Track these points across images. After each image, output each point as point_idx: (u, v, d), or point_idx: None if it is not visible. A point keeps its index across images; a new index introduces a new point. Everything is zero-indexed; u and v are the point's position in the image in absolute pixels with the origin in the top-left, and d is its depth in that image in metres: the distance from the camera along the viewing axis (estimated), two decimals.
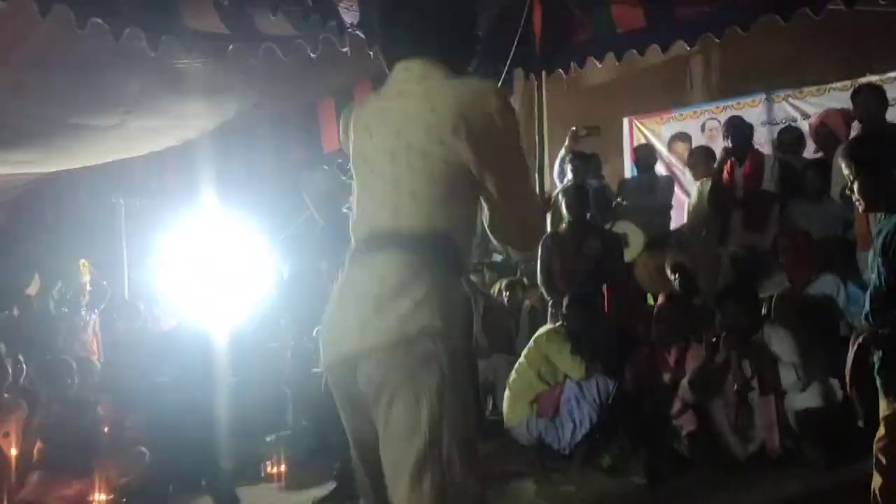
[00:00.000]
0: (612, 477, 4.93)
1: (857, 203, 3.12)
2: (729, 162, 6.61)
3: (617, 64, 7.25)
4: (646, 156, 7.59)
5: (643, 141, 8.55)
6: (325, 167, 6.99)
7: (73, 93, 6.22)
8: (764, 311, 5.36)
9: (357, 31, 5.37)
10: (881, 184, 2.99)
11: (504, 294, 7.60)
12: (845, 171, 3.11)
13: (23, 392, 6.41)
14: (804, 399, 4.76)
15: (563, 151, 7.14)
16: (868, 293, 3.03)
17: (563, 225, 6.40)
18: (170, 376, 4.68)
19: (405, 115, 2.15)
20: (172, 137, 7.97)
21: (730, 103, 8.33)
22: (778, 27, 5.57)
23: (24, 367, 6.75)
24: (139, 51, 5.13)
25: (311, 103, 8.20)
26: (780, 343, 5.01)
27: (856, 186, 3.06)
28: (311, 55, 5.67)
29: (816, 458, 4.59)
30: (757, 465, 4.71)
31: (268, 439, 6.05)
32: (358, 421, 2.26)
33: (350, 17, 5.45)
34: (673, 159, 8.47)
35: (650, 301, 6.56)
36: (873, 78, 7.05)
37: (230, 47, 5.47)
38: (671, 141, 8.61)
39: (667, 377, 5.44)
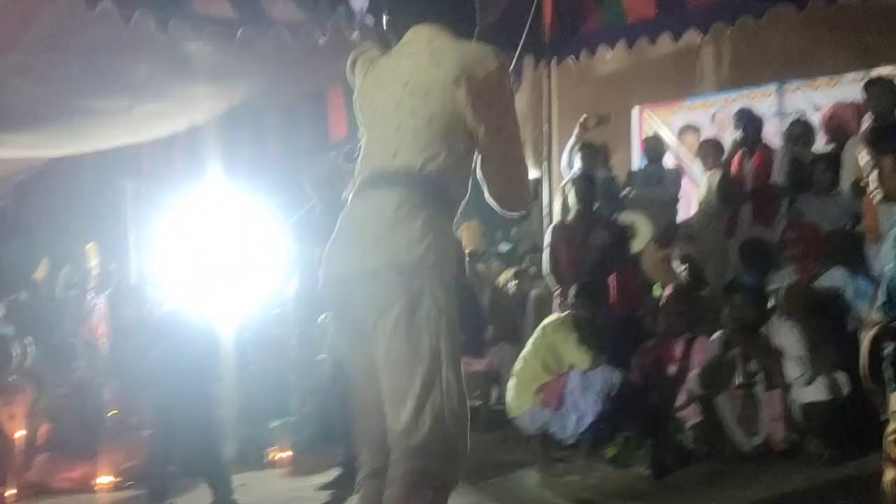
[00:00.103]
0: (616, 468, 4.93)
1: (874, 193, 3.08)
2: (739, 154, 6.57)
3: (628, 53, 7.23)
4: (655, 147, 7.55)
5: (653, 131, 8.49)
6: (333, 153, 6.97)
7: (81, 76, 6.22)
8: (771, 303, 5.33)
9: (366, 17, 5.36)
10: None
11: (511, 284, 7.59)
12: (863, 160, 3.07)
13: (29, 375, 6.44)
14: (810, 392, 4.73)
15: (571, 141, 7.10)
16: (884, 284, 2.99)
17: (571, 215, 6.38)
18: (169, 357, 4.66)
19: (413, 68, 2.38)
20: (180, 122, 7.97)
21: (741, 94, 8.26)
22: (791, 17, 5.53)
23: (31, 350, 6.77)
24: (147, 35, 5.12)
25: (319, 90, 8.19)
26: (787, 336, 4.99)
27: (874, 175, 3.01)
28: (320, 41, 5.66)
29: (821, 451, 4.58)
30: (762, 459, 4.70)
31: (272, 425, 6.06)
32: (355, 340, 2.43)
33: (359, 2, 5.43)
34: (682, 150, 8.42)
35: (657, 292, 6.53)
36: (887, 68, 6.98)
37: (239, 32, 5.46)
38: (681, 131, 8.56)
39: (672, 369, 5.44)
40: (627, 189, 7.09)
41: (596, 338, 5.40)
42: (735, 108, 7.45)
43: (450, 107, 2.33)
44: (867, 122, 5.78)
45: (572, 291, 5.64)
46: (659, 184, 7.09)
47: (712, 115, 8.43)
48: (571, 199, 6.38)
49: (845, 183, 6.02)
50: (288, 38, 5.62)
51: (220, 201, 7.14)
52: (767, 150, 6.53)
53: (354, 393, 2.51)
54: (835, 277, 5.47)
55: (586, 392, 5.24)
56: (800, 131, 6.70)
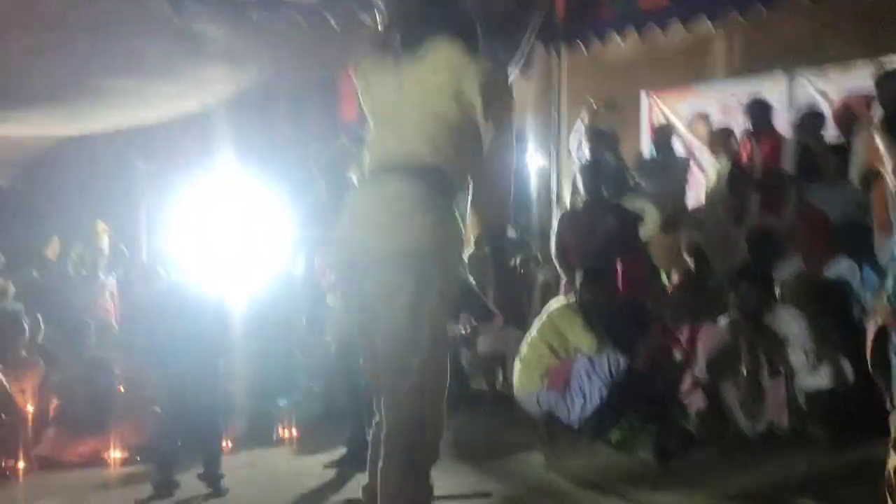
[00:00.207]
0: (620, 452, 4.96)
1: (890, 181, 3.08)
2: (748, 142, 6.57)
3: (638, 40, 7.22)
4: (663, 135, 7.55)
5: (661, 117, 8.48)
6: (343, 138, 6.99)
7: (94, 55, 6.25)
8: (777, 292, 5.36)
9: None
10: None
11: (518, 269, 7.62)
12: (883, 147, 3.07)
13: (40, 351, 6.51)
14: (814, 380, 4.77)
15: (581, 127, 7.11)
16: (891, 274, 3.00)
17: (580, 201, 6.40)
18: (178, 332, 4.71)
19: (427, 73, 2.65)
20: (192, 103, 8.00)
21: (751, 82, 8.23)
22: (802, 5, 5.51)
23: (42, 326, 6.84)
24: (161, 16, 5.14)
25: (330, 74, 8.21)
26: (793, 324, 5.02)
27: (892, 164, 3.01)
28: (333, 25, 5.68)
29: (825, 438, 4.61)
30: (765, 445, 4.73)
31: (280, 403, 6.12)
32: (367, 316, 2.74)
33: None
34: (691, 137, 8.41)
35: (664, 279, 6.56)
36: None
37: (252, 14, 5.47)
38: (690, 119, 8.52)
39: (678, 355, 5.47)
40: (636, 176, 7.10)
41: (602, 323, 5.43)
42: (745, 96, 7.44)
43: (456, 108, 2.63)
44: (877, 112, 5.77)
45: (579, 277, 5.67)
46: (668, 171, 7.10)
47: (722, 103, 8.41)
48: (579, 184, 6.39)
49: (854, 172, 6.02)
50: (301, 21, 5.64)
51: (231, 183, 7.18)
52: (777, 139, 6.53)
53: (356, 366, 2.92)
54: (842, 267, 5.49)
55: (591, 376, 5.28)
56: (810, 120, 6.70)
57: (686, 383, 5.19)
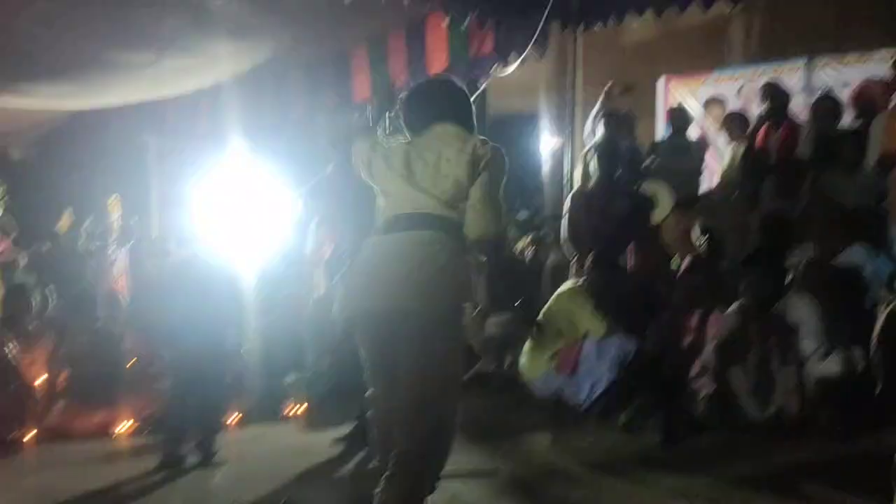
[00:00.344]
0: (627, 435, 4.96)
1: None
2: (764, 127, 6.50)
3: (656, 21, 7.15)
4: (680, 118, 7.48)
5: (678, 101, 8.40)
6: (356, 114, 6.97)
7: (106, 28, 6.23)
8: (790, 278, 5.32)
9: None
10: None
11: (528, 251, 7.59)
12: None
13: (50, 323, 6.54)
14: (824, 367, 4.73)
15: (596, 108, 7.05)
16: None
17: (592, 183, 6.35)
18: (188, 305, 4.73)
19: (439, 144, 3.10)
20: (204, 79, 7.97)
21: (769, 67, 8.16)
22: None
23: (53, 299, 6.87)
24: None
25: (343, 50, 8.17)
26: (804, 311, 4.98)
27: None
28: (346, 1, 5.64)
29: (834, 425, 4.58)
30: (774, 431, 4.70)
31: (288, 380, 6.14)
32: (388, 358, 3.04)
33: None
34: (707, 122, 8.34)
35: (675, 263, 6.52)
36: None
37: None
38: (707, 103, 8.45)
39: (687, 340, 5.44)
40: (650, 159, 7.04)
41: (611, 306, 5.40)
42: (762, 81, 7.37)
43: (467, 175, 3.03)
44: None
45: (589, 259, 5.64)
46: (682, 155, 7.04)
47: (739, 87, 8.33)
48: (593, 167, 6.35)
49: (871, 160, 5.95)
50: None
51: (242, 159, 7.16)
52: (793, 125, 6.46)
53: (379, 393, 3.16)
54: (855, 254, 5.44)
55: (600, 359, 5.27)
56: (827, 106, 6.61)
57: (695, 368, 5.16)
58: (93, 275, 7.97)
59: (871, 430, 4.36)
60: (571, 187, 7.17)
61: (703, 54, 8.59)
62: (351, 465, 4.55)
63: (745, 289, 5.12)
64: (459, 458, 3.75)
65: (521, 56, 7.10)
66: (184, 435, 4.77)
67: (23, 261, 7.68)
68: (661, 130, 8.25)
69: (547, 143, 8.89)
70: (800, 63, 7.97)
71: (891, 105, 6.09)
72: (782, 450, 4.43)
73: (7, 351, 5.79)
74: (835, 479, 3.85)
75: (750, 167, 6.41)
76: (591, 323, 5.36)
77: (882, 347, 4.56)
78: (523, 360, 5.60)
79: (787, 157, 6.32)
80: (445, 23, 7.21)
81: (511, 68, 7.28)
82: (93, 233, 8.25)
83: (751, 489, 3.84)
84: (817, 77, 7.87)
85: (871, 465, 3.98)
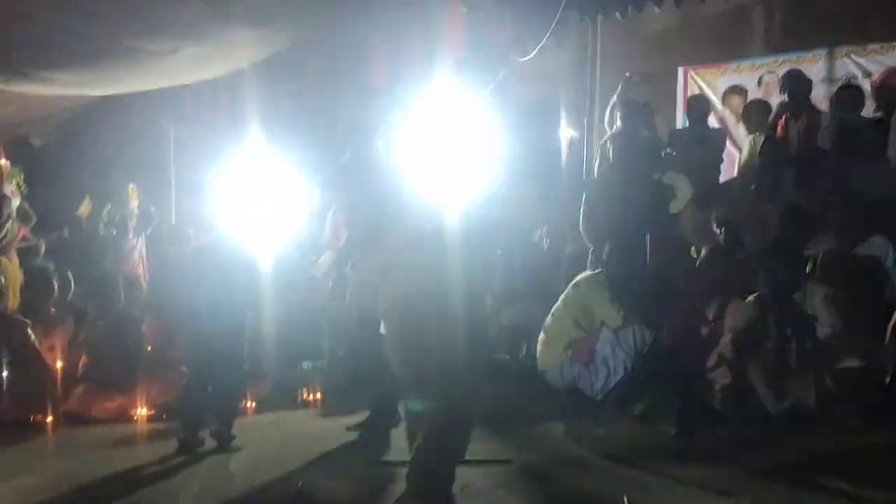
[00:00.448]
0: (642, 425, 4.95)
1: None
2: (784, 117, 6.45)
3: (675, 11, 7.09)
4: (699, 107, 7.43)
5: (697, 92, 8.36)
6: (374, 101, 6.96)
7: (126, 16, 6.24)
8: (810, 268, 5.28)
9: None
10: None
11: (545, 240, 7.58)
12: None
13: (70, 308, 6.59)
14: (843, 359, 4.70)
15: (614, 98, 7.02)
16: None
17: (610, 173, 6.33)
18: (206, 291, 4.76)
19: None
20: (223, 66, 7.99)
21: (789, 58, 8.09)
22: None
23: (72, 284, 6.92)
24: None
25: (361, 38, 8.16)
26: (823, 302, 4.95)
27: None
28: None
29: (851, 417, 4.55)
30: (790, 423, 4.67)
31: (304, 366, 6.17)
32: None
33: None
34: (727, 112, 8.29)
35: (693, 254, 6.49)
36: None
37: None
38: (726, 93, 8.41)
39: (704, 331, 5.42)
40: (669, 149, 7.00)
41: (628, 296, 5.39)
42: (782, 72, 7.31)
43: None
44: None
45: (607, 249, 5.63)
46: (701, 145, 6.99)
47: (759, 77, 8.27)
48: (611, 156, 6.32)
49: (893, 150, 5.90)
50: None
51: (260, 147, 7.18)
52: (814, 114, 6.41)
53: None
54: (876, 245, 5.40)
55: (616, 349, 5.26)
56: (848, 96, 6.56)
57: (711, 359, 5.14)
58: (112, 261, 8.02)
59: (889, 422, 4.34)
60: (590, 176, 7.15)
61: (724, 44, 8.53)
62: (365, 453, 4.57)
63: (763, 280, 5.09)
64: (475, 446, 3.77)
65: (539, 45, 7.07)
66: (201, 420, 4.81)
67: (43, 247, 7.74)
68: (681, 120, 8.20)
69: (565, 132, 8.86)
70: (821, 53, 7.91)
71: None
72: (798, 442, 4.40)
73: (28, 335, 5.84)
74: (851, 472, 3.83)
75: (769, 157, 6.36)
76: (607, 313, 5.35)
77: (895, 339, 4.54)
78: (539, 349, 5.60)
79: (807, 147, 6.27)
80: (464, 11, 7.19)
81: (529, 57, 7.25)
82: (112, 219, 8.30)
83: (766, 481, 3.83)
84: (839, 67, 7.80)
85: (888, 457, 3.97)
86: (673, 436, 4.66)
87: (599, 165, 6.81)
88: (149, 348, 6.09)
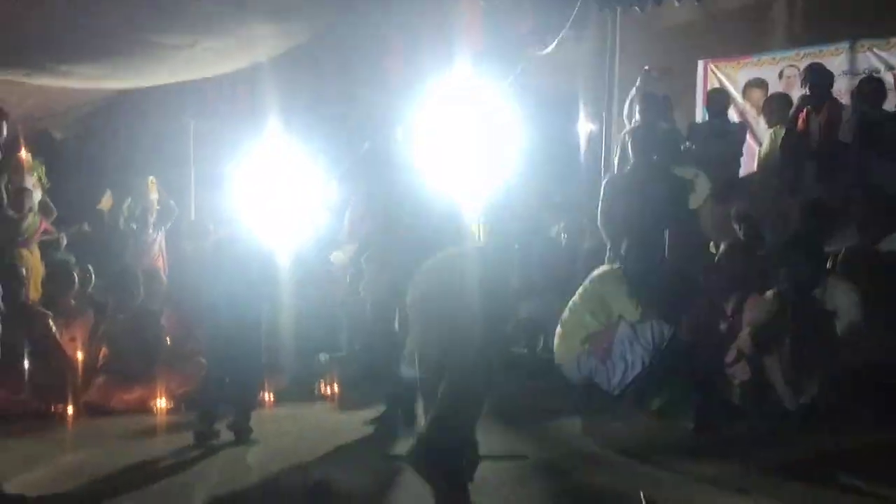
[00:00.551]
0: (659, 420, 4.93)
1: None
2: (805, 110, 6.39)
3: (695, 3, 7.04)
4: (718, 101, 7.37)
5: (717, 85, 8.29)
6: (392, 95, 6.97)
7: (145, 10, 6.28)
8: (830, 264, 5.23)
9: None
10: None
11: (563, 235, 7.56)
12: None
13: (90, 301, 6.66)
14: (863, 355, 4.65)
15: (633, 91, 6.98)
16: None
17: (628, 167, 6.29)
18: (225, 283, 4.79)
19: None
20: (242, 61, 8.02)
21: (811, 51, 8.01)
22: None
23: (92, 277, 6.99)
24: None
25: (381, 32, 8.17)
26: (843, 298, 4.91)
27: None
28: None
29: (870, 415, 4.51)
30: (808, 420, 4.63)
31: (321, 359, 6.19)
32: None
33: None
34: (747, 106, 8.22)
35: (712, 249, 6.45)
36: None
37: None
38: (746, 87, 8.33)
39: (723, 326, 5.39)
40: (688, 143, 6.95)
41: (646, 291, 5.35)
42: (803, 65, 7.25)
43: None
44: None
45: (625, 244, 5.59)
46: (721, 138, 6.94)
47: (780, 71, 8.20)
48: (630, 150, 6.28)
49: None
50: None
51: (279, 141, 7.22)
52: (836, 107, 6.34)
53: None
54: None
55: (634, 344, 5.22)
56: (870, 89, 6.48)
57: (730, 355, 5.10)
58: (132, 255, 8.08)
59: None
60: (608, 170, 7.11)
61: (744, 37, 8.45)
62: (382, 446, 4.58)
63: (783, 275, 5.04)
64: (491, 440, 3.77)
65: (558, 37, 7.04)
66: (217, 413, 4.84)
67: (64, 240, 7.81)
68: (701, 114, 8.15)
69: (584, 125, 8.82)
70: (843, 46, 7.82)
71: None
72: (816, 439, 4.37)
73: (49, 327, 5.91)
74: (868, 469, 3.79)
75: (790, 150, 6.30)
76: (625, 308, 5.32)
77: None
78: (556, 343, 5.58)
79: (828, 141, 6.21)
80: (482, 3, 7.17)
81: (548, 50, 7.23)
82: (133, 213, 8.36)
83: (782, 478, 3.81)
84: (860, 60, 7.72)
85: None
86: (690, 431, 4.64)
87: (618, 159, 6.77)
88: (168, 341, 6.14)
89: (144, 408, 5.70)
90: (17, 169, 7.47)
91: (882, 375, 4.57)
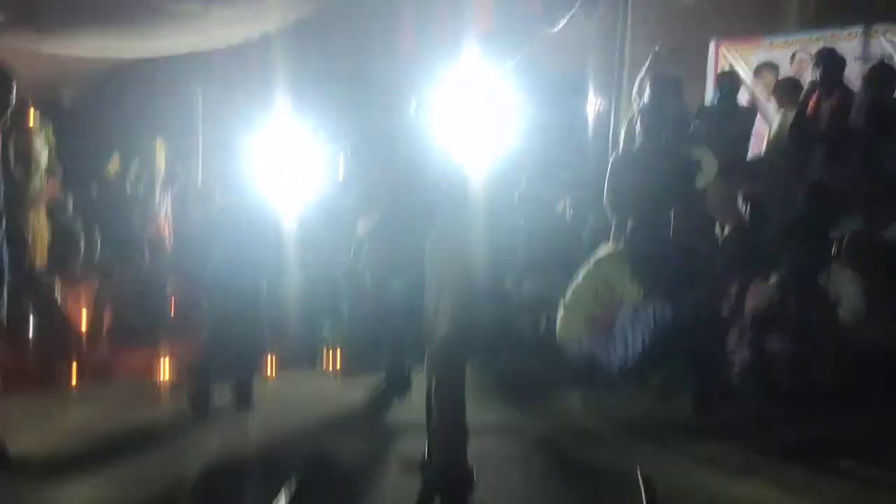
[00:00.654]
0: (659, 401, 4.95)
1: None
2: (816, 94, 6.35)
3: None
4: (729, 82, 7.33)
5: (729, 67, 8.24)
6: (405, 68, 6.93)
7: None
8: (835, 250, 5.23)
9: None
10: None
11: (568, 212, 7.54)
12: None
13: (96, 266, 6.68)
14: (865, 340, 4.66)
15: (644, 71, 6.94)
16: None
17: (636, 146, 6.27)
18: (228, 250, 4.80)
19: None
20: (252, 30, 7.99)
21: (824, 35, 7.94)
22: None
23: (98, 242, 7.01)
24: None
25: (391, 5, 8.13)
26: (847, 284, 4.91)
27: None
28: None
29: (871, 400, 4.52)
30: (809, 404, 4.65)
31: (325, 329, 6.22)
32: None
33: None
34: (757, 89, 8.16)
35: (717, 231, 6.43)
36: None
37: None
38: (758, 69, 8.26)
39: (726, 308, 5.39)
40: (697, 123, 6.92)
41: (650, 271, 5.36)
42: (816, 49, 7.19)
43: None
44: None
45: (630, 224, 5.59)
46: (730, 120, 6.90)
47: (792, 54, 8.13)
48: (638, 129, 6.25)
49: None
50: None
51: (288, 110, 7.19)
52: (846, 92, 6.30)
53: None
54: None
55: (636, 325, 5.23)
56: (882, 74, 6.44)
57: (732, 337, 5.11)
58: (139, 220, 8.09)
59: None
60: (616, 149, 7.08)
61: (757, 19, 8.38)
62: (383, 415, 4.62)
63: (787, 259, 5.05)
64: (491, 415, 3.81)
65: (568, 15, 6.98)
66: (214, 382, 4.85)
67: (71, 204, 7.81)
68: (711, 96, 8.10)
69: (593, 103, 8.78)
70: (856, 31, 7.75)
71: None
72: (816, 422, 4.39)
73: (54, 292, 5.94)
74: (868, 454, 3.82)
75: (799, 134, 6.28)
76: (628, 289, 5.32)
77: None
78: (559, 323, 5.60)
79: (838, 126, 6.18)
80: None
81: (558, 27, 7.17)
82: (139, 177, 8.35)
83: (780, 460, 3.83)
84: (874, 46, 7.65)
85: None
86: (690, 412, 4.66)
87: (626, 138, 6.75)
88: (172, 309, 6.17)
89: (148, 374, 5.74)
90: (25, 131, 7.46)
91: (885, 362, 4.57)
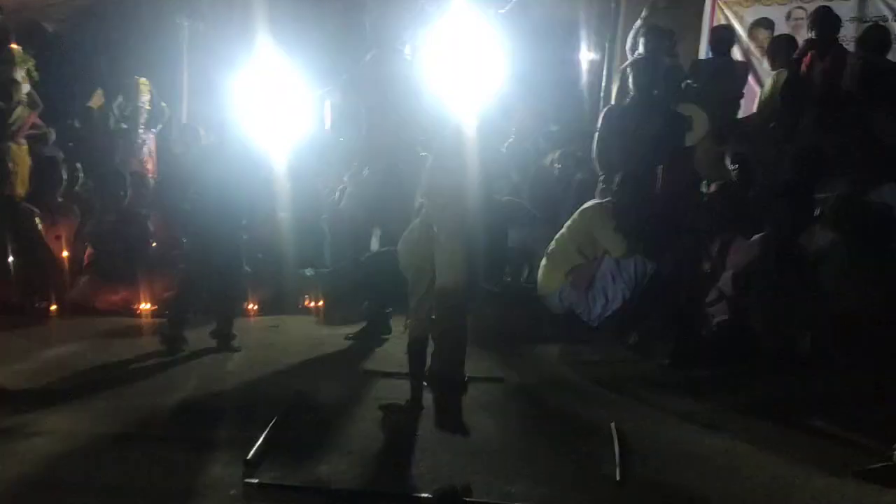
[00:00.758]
0: (636, 354, 4.99)
1: None
2: (809, 54, 6.30)
3: None
4: (723, 38, 7.25)
5: (724, 22, 8.14)
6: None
7: None
8: (819, 211, 5.24)
9: None
10: None
11: (556, 165, 7.51)
12: None
13: (77, 199, 6.61)
14: (842, 304, 4.70)
15: (638, 23, 6.85)
16: None
17: (627, 99, 6.23)
18: (209, 189, 4.76)
19: None
20: None
21: None
22: None
23: (80, 175, 6.92)
24: None
25: None
26: (829, 245, 4.92)
27: None
28: None
29: (845, 361, 4.57)
30: (784, 363, 4.69)
31: (306, 273, 6.21)
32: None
33: None
34: (752, 46, 8.09)
35: (704, 188, 6.43)
36: None
37: None
38: (753, 26, 8.17)
39: (706, 266, 5.42)
40: (690, 80, 6.86)
41: (634, 227, 5.36)
42: (812, 7, 7.11)
43: None
44: None
45: (617, 178, 5.57)
46: (723, 77, 6.84)
47: (788, 12, 8.04)
48: (630, 83, 6.20)
49: None
50: None
51: (276, 49, 7.06)
52: (840, 54, 6.25)
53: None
54: (888, 193, 5.34)
55: (616, 279, 5.26)
56: (876, 36, 6.38)
57: (711, 295, 5.14)
58: (121, 156, 7.98)
59: (885, 368, 4.36)
60: (607, 102, 7.03)
61: None
62: (362, 360, 4.64)
63: (770, 219, 5.06)
64: (469, 363, 3.82)
65: None
66: (188, 320, 4.84)
67: (52, 135, 7.69)
68: (705, 51, 8.02)
69: (586, 55, 8.69)
70: None
71: None
72: (791, 382, 4.43)
73: (35, 223, 5.88)
74: (839, 414, 3.86)
75: (790, 94, 6.23)
76: (611, 242, 5.33)
77: None
78: (540, 273, 5.61)
79: (830, 88, 6.14)
80: None
81: None
82: (122, 113, 8.22)
83: (752, 417, 3.86)
84: (870, 6, 7.58)
85: (879, 401, 4.01)
86: (666, 367, 4.70)
87: (618, 91, 6.69)
88: (153, 244, 6.13)
89: (128, 309, 5.73)
90: (6, 60, 7.30)
91: (861, 325, 4.61)
